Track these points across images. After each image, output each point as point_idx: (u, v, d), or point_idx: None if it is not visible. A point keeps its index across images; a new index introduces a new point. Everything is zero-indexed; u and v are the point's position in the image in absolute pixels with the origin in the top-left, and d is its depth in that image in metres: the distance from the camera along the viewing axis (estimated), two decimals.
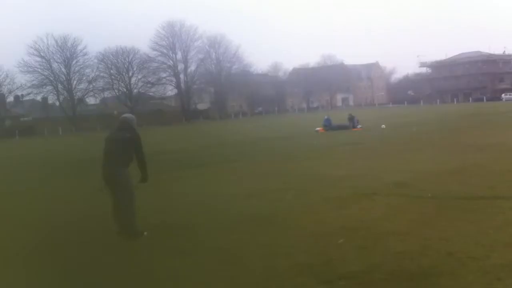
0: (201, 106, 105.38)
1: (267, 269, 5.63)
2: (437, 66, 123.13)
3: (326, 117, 34.85)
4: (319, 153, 18.69)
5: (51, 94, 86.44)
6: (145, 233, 7.49)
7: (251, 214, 8.37)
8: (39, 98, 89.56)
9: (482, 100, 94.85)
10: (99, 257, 6.67)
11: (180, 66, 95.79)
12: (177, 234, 7.48)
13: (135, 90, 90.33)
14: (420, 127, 28.72)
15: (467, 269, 5.18)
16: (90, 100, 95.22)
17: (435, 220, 7.24)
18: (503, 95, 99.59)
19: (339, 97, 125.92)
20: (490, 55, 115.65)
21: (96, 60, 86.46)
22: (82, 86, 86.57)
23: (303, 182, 11.43)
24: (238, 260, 6.03)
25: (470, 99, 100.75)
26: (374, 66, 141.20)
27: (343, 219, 7.65)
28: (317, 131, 31.97)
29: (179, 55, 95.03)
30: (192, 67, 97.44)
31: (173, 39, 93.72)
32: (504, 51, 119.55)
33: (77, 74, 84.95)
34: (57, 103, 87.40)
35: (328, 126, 32.56)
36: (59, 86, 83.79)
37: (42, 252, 7.14)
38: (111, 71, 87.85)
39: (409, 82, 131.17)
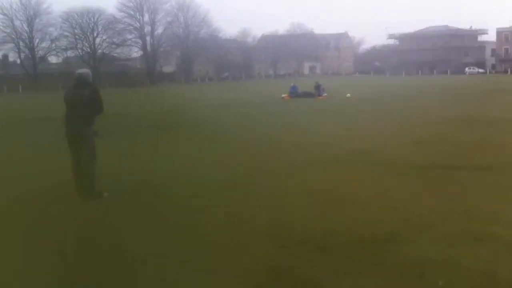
0: (167, 69, 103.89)
1: (227, 233, 5.62)
2: (405, 38, 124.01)
3: (292, 84, 34.84)
4: (283, 120, 18.68)
5: (12, 51, 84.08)
6: (105, 194, 7.37)
7: (211, 179, 8.32)
8: None
9: (446, 73, 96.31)
10: (59, 217, 6.55)
11: (147, 29, 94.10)
12: (135, 196, 7.39)
13: (99, 51, 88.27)
14: (385, 98, 29.01)
15: (422, 236, 5.27)
16: (52, 59, 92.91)
17: (393, 188, 7.33)
18: (466, 68, 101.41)
19: (306, 65, 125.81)
20: (457, 29, 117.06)
21: (60, 19, 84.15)
22: (45, 44, 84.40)
23: (265, 149, 11.42)
24: (198, 224, 6.00)
25: (435, 71, 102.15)
26: (342, 36, 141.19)
27: (304, 185, 7.68)
28: (283, 97, 31.94)
29: (146, 17, 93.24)
30: (159, 30, 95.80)
31: (141, 0, 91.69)
32: (471, 26, 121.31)
33: (40, 32, 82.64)
34: (18, 61, 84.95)
35: (294, 93, 32.56)
36: (21, 43, 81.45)
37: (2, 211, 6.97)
38: (75, 31, 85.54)
39: (376, 53, 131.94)
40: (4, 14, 79.02)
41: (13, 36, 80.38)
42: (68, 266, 4.87)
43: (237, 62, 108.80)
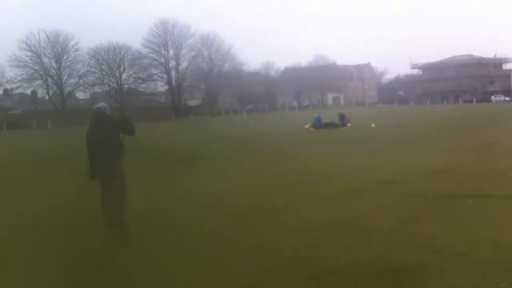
0: (192, 103, 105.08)
1: (257, 265, 5.63)
2: (428, 68, 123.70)
3: (316, 115, 34.91)
4: (309, 150, 18.70)
5: (41, 88, 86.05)
6: (133, 226, 7.46)
7: (240, 210, 8.37)
8: (28, 91, 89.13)
9: (471, 101, 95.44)
10: (88, 248, 6.66)
11: (172, 63, 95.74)
12: (164, 229, 7.47)
13: (126, 86, 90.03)
14: (409, 128, 28.85)
15: (452, 266, 5.22)
16: (80, 95, 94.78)
17: (421, 217, 7.29)
18: (492, 97, 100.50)
19: (330, 96, 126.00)
20: (481, 58, 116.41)
21: (87, 56, 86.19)
22: (73, 80, 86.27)
23: (293, 179, 11.45)
24: (227, 255, 6.03)
25: (460, 100, 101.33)
26: (365, 67, 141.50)
27: (331, 215, 7.67)
28: (307, 128, 32.00)
29: (171, 53, 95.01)
30: (183, 65, 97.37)
31: (166, 36, 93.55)
32: (495, 55, 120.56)
33: (68, 69, 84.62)
34: (47, 97, 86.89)
35: (318, 124, 32.56)
36: (49, 80, 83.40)
37: (34, 245, 7.10)
38: (102, 67, 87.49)
39: (400, 83, 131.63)
40: (33, 52, 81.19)
41: (42, 73, 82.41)
42: None
43: (260, 94, 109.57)
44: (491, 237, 6.09)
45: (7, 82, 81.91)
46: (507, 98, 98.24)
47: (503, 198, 8.20)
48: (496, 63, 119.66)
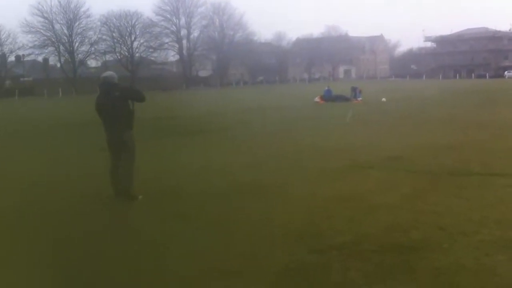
0: (203, 73, 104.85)
1: (261, 237, 5.70)
2: (442, 41, 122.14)
3: (326, 88, 34.72)
4: (316, 124, 18.69)
5: (53, 55, 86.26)
6: (140, 196, 7.54)
7: (248, 183, 8.44)
8: (40, 59, 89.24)
9: (484, 77, 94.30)
10: (95, 217, 6.76)
11: (183, 32, 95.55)
12: (171, 200, 7.55)
13: (137, 55, 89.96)
14: (420, 102, 28.68)
15: (457, 244, 5.24)
16: (91, 63, 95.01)
17: (428, 194, 7.30)
18: (506, 72, 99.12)
19: (341, 69, 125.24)
20: (496, 31, 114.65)
21: (99, 23, 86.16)
22: (84, 48, 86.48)
23: (300, 153, 11.48)
24: (233, 227, 6.10)
25: (473, 75, 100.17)
26: (378, 39, 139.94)
27: (337, 190, 7.70)
28: (316, 102, 31.80)
29: (182, 21, 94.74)
30: (195, 33, 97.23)
31: (177, 4, 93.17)
32: (511, 29, 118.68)
33: (79, 36, 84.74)
34: (58, 65, 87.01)
35: (328, 97, 32.36)
36: (61, 47, 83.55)
37: (41, 211, 7.21)
38: (114, 34, 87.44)
39: (412, 56, 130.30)
40: (45, 18, 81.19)
41: (53, 40, 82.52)
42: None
43: (271, 65, 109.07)
44: (496, 216, 6.10)
45: (19, 48, 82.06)
46: None
47: (508, 178, 8.16)
48: (511, 37, 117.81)
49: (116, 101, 7.44)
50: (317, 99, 32.38)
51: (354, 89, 32.86)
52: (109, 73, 7.78)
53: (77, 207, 7.32)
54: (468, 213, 6.27)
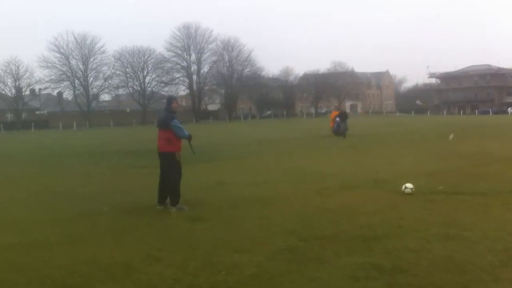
0: (212, 107, 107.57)
1: (263, 232, 7.56)
2: (446, 78, 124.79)
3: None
4: (316, 152, 20.67)
5: (68, 89, 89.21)
6: (186, 207, 9.38)
7: (255, 197, 10.41)
8: (54, 92, 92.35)
9: (488, 112, 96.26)
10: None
11: (193, 67, 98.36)
12: (198, 209, 9.43)
13: (149, 89, 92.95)
14: (419, 135, 30.60)
15: (408, 236, 7.09)
16: (104, 97, 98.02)
17: (399, 206, 9.18)
18: (509, 108, 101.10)
19: (347, 103, 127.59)
20: (499, 68, 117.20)
21: (113, 59, 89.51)
22: (98, 82, 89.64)
23: (299, 176, 13.42)
24: (241, 227, 7.97)
25: (476, 111, 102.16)
26: (384, 75, 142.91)
27: (327, 203, 9.58)
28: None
29: (193, 57, 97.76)
30: (205, 69, 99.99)
31: (188, 40, 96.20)
32: None
33: (94, 71, 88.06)
34: (70, 98, 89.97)
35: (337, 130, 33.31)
36: (76, 81, 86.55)
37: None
38: (127, 70, 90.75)
39: (417, 92, 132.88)
40: (61, 53, 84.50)
41: (69, 74, 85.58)
42: None
43: (279, 100, 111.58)
44: (446, 220, 7.94)
45: (36, 82, 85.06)
46: None
47: (469, 195, 10.02)
48: None
49: (161, 119, 9.53)
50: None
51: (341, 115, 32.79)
52: (171, 95, 9.90)
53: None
54: (425, 218, 8.12)
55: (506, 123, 47.84)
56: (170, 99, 9.89)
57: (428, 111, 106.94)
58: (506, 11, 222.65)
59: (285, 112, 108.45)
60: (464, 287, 5.14)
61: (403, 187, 10.33)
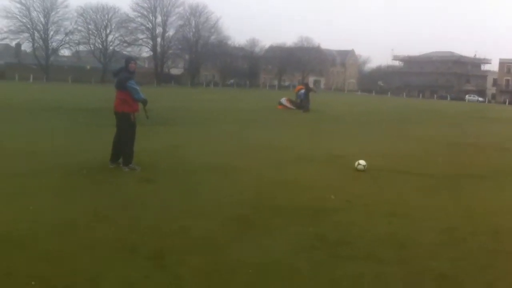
0: (174, 71, 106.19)
1: (215, 200, 7.58)
2: (409, 61, 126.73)
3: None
4: (275, 125, 20.76)
5: (27, 41, 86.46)
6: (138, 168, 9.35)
7: (210, 164, 10.41)
8: (13, 44, 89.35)
9: (446, 98, 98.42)
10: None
11: (159, 30, 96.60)
12: (150, 171, 9.37)
13: (111, 48, 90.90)
14: (377, 116, 31.13)
15: (356, 211, 7.25)
16: (64, 52, 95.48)
17: (350, 181, 9.37)
18: (467, 96, 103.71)
19: (311, 78, 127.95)
20: (461, 56, 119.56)
21: (75, 14, 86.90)
22: (59, 37, 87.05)
23: (256, 147, 13.48)
24: (194, 193, 7.97)
25: (435, 96, 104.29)
26: (349, 53, 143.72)
27: (281, 175, 9.68)
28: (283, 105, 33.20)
29: (158, 19, 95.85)
30: (170, 32, 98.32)
31: (155, 2, 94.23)
32: (475, 55, 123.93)
33: (55, 25, 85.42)
34: (30, 51, 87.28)
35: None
36: (36, 34, 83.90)
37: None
38: (89, 26, 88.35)
39: (381, 73, 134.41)
40: (22, 4, 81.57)
41: (29, 26, 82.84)
42: None
43: (243, 70, 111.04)
44: (392, 198, 8.16)
45: None
46: (480, 99, 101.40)
47: (418, 176, 10.32)
48: (475, 63, 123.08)
49: (117, 81, 9.44)
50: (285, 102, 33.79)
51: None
52: (129, 55, 9.79)
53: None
54: (374, 195, 8.33)
55: (462, 110, 49.07)
56: (128, 60, 9.70)
57: (389, 93, 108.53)
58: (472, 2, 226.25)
59: (248, 82, 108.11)
60: (404, 262, 5.30)
61: (356, 163, 10.52)
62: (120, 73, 9.41)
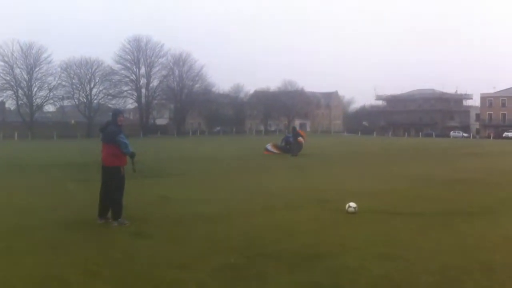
0: (160, 122, 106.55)
1: (206, 249, 7.51)
2: (392, 100, 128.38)
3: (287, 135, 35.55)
4: (263, 171, 20.78)
5: (10, 98, 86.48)
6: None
7: (199, 213, 10.36)
8: None
9: (431, 135, 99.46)
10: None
11: (143, 81, 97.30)
12: (140, 224, 9.28)
13: (95, 101, 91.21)
14: (364, 156, 31.28)
15: (349, 255, 7.21)
16: (49, 108, 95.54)
17: (341, 225, 9.33)
18: (451, 132, 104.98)
19: (297, 122, 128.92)
20: (442, 93, 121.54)
21: (59, 69, 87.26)
22: (43, 93, 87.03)
23: (245, 194, 13.45)
24: (184, 244, 7.89)
25: (420, 134, 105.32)
26: (333, 95, 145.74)
27: (271, 222, 9.64)
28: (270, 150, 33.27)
29: (142, 70, 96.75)
30: (154, 83, 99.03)
31: (138, 54, 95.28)
32: (456, 91, 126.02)
33: (39, 81, 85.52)
34: (14, 108, 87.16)
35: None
36: (20, 91, 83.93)
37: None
38: (73, 81, 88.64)
39: (365, 113, 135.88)
40: (5, 62, 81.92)
41: (12, 84, 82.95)
42: None
43: (229, 116, 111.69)
44: (384, 240, 8.14)
45: None
46: (465, 134, 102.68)
47: (407, 215, 10.34)
48: (457, 99, 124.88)
49: (107, 135, 9.40)
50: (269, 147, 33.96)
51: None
52: (116, 108, 9.74)
53: None
54: (365, 237, 8.31)
55: (448, 146, 49.56)
56: (116, 113, 9.73)
57: (374, 132, 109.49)
58: (453, 35, 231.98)
59: (234, 129, 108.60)
60: None
61: (347, 206, 10.51)
62: (108, 127, 9.42)
